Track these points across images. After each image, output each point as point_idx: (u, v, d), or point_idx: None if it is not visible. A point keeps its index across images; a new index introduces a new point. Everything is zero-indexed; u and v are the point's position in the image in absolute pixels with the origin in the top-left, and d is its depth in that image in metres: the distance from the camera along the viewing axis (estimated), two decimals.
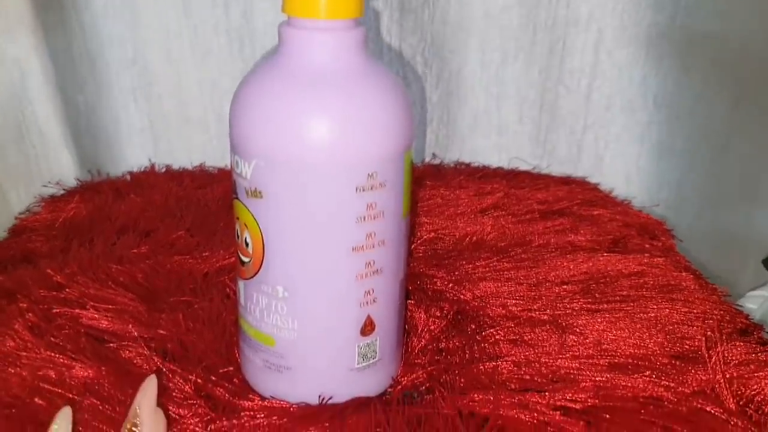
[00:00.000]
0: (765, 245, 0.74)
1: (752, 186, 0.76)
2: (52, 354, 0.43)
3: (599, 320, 0.48)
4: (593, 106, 0.74)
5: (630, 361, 0.44)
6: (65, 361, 0.42)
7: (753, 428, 0.39)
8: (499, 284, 0.53)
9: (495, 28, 0.71)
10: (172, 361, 0.43)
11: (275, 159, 0.36)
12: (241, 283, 0.41)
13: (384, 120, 0.36)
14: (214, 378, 0.42)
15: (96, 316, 0.47)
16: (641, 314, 0.49)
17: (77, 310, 0.47)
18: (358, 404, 0.40)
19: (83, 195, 0.67)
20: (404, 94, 0.38)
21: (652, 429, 0.39)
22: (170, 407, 0.39)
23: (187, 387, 0.41)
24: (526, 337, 0.47)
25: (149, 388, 0.37)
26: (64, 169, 0.73)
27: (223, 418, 0.39)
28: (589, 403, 0.40)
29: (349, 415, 0.39)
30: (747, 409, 0.41)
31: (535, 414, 0.39)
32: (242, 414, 0.39)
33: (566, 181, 0.73)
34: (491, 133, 0.76)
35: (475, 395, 0.40)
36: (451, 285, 0.52)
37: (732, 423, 0.39)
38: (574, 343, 0.46)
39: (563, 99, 0.74)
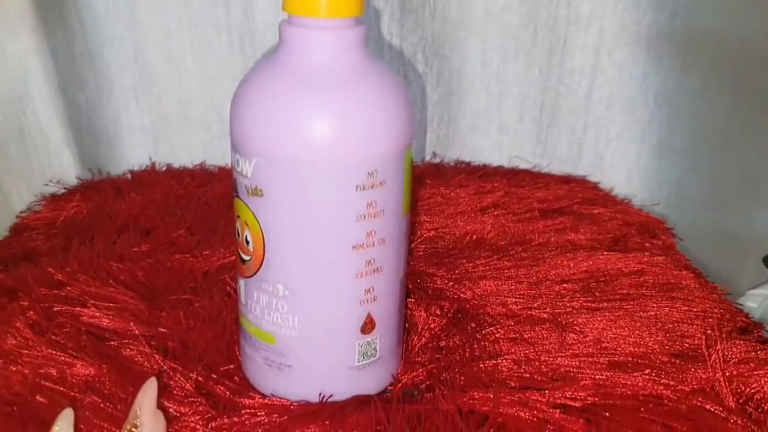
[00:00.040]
0: (765, 244, 0.74)
1: (752, 185, 0.76)
2: (53, 352, 0.43)
3: (599, 318, 0.48)
4: (594, 105, 0.74)
5: (630, 359, 0.44)
6: (66, 359, 0.43)
7: (752, 426, 0.39)
8: (499, 283, 0.53)
9: (496, 27, 0.71)
10: (173, 359, 0.43)
11: (276, 157, 0.36)
12: (241, 282, 0.41)
13: (384, 118, 0.37)
14: (214, 376, 0.42)
15: (97, 314, 0.47)
16: (641, 313, 0.49)
17: (78, 309, 0.48)
18: (359, 402, 0.40)
19: (84, 194, 0.67)
20: (404, 93, 0.38)
21: (652, 427, 0.39)
22: (171, 405, 0.39)
23: (187, 385, 0.41)
24: (526, 336, 0.47)
25: (150, 389, 0.37)
26: (64, 168, 0.73)
27: (224, 416, 0.39)
28: (589, 401, 0.40)
29: (349, 413, 0.39)
30: (746, 407, 0.41)
31: (535, 412, 0.39)
32: (243, 412, 0.39)
33: (566, 179, 0.73)
34: (492, 131, 0.76)
35: (475, 393, 0.40)
36: (451, 283, 0.53)
37: (731, 421, 0.39)
38: (574, 342, 0.46)
39: (564, 98, 0.74)
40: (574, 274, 0.54)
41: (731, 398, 0.41)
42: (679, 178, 0.76)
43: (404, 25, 0.71)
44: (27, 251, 0.57)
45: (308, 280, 0.38)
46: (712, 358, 0.43)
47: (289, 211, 0.37)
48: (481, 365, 0.44)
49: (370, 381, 0.42)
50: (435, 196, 0.67)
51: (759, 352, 0.45)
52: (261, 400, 0.41)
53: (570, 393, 0.41)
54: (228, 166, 0.73)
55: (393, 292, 0.41)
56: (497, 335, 0.47)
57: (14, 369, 0.42)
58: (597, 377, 0.42)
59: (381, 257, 0.39)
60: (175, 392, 0.41)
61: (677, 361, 0.44)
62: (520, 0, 0.70)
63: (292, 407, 0.40)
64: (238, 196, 0.39)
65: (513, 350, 0.45)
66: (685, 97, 0.72)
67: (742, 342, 0.46)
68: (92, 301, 0.48)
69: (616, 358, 0.44)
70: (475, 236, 0.61)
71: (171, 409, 0.39)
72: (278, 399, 0.41)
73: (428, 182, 0.70)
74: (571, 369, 0.43)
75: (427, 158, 0.78)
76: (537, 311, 0.49)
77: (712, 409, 0.40)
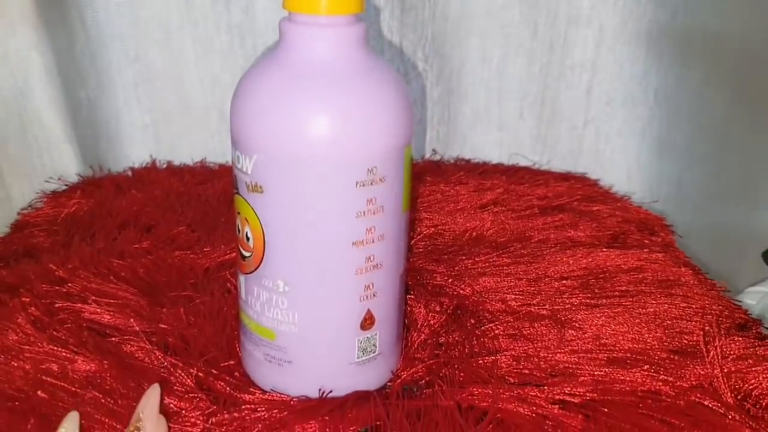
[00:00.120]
0: (764, 241, 0.74)
1: (752, 182, 0.76)
2: (55, 348, 0.43)
3: (598, 315, 0.48)
4: (594, 101, 0.74)
5: (628, 355, 0.44)
6: (67, 355, 0.43)
7: (750, 422, 0.39)
8: (499, 279, 0.53)
9: (496, 24, 0.71)
10: (174, 355, 0.43)
11: (276, 154, 0.36)
12: (241, 278, 0.41)
13: (384, 115, 0.37)
14: (215, 372, 0.42)
15: (98, 310, 0.47)
16: (640, 309, 0.49)
17: (79, 305, 0.48)
18: (358, 398, 0.40)
19: (85, 190, 0.67)
20: (404, 90, 0.38)
21: (650, 423, 0.39)
22: (172, 400, 0.40)
23: (188, 380, 0.41)
24: (525, 332, 0.47)
25: (153, 394, 0.37)
26: (66, 165, 0.73)
27: (224, 412, 0.39)
28: (588, 397, 0.41)
29: (348, 409, 0.39)
30: (745, 403, 0.41)
31: (534, 408, 0.39)
32: (243, 407, 0.39)
33: (566, 177, 0.73)
34: (492, 129, 0.76)
35: (475, 389, 0.41)
36: (450, 280, 0.53)
37: (730, 417, 0.39)
38: (573, 338, 0.46)
39: (564, 95, 0.74)
40: (573, 270, 0.55)
41: (729, 394, 0.41)
42: (679, 174, 0.76)
43: (404, 22, 0.71)
44: (28, 248, 0.57)
45: (308, 277, 0.38)
46: (711, 354, 0.44)
47: (289, 207, 0.37)
48: (481, 361, 0.44)
49: (370, 377, 0.42)
50: (435, 193, 0.67)
51: (757, 349, 0.45)
52: (261, 395, 0.41)
53: (569, 389, 0.41)
54: (228, 163, 0.73)
55: (393, 289, 0.41)
56: (496, 331, 0.47)
57: (16, 365, 0.42)
58: (596, 373, 0.43)
59: (381, 254, 0.39)
60: (175, 388, 0.41)
61: (676, 358, 0.44)
62: None
63: (292, 403, 0.40)
64: (238, 193, 0.39)
65: (512, 346, 0.46)
66: (685, 94, 0.72)
67: (740, 338, 0.46)
68: (93, 298, 0.48)
69: (614, 355, 0.45)
70: (474, 233, 0.61)
71: (171, 405, 0.40)
72: (278, 394, 0.41)
73: (428, 179, 0.70)
74: (570, 365, 0.43)
75: (427, 155, 0.78)
76: (536, 308, 0.49)
77: (710, 405, 0.40)
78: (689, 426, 0.39)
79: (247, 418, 0.39)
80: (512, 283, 0.52)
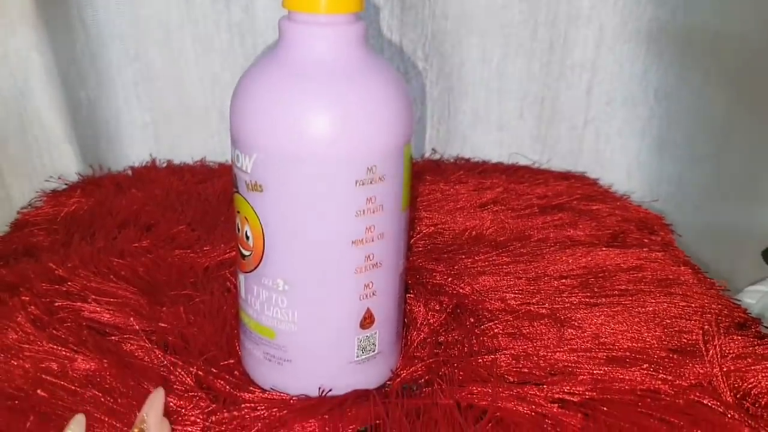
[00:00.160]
0: (764, 240, 0.74)
1: (752, 181, 0.76)
2: (55, 346, 0.43)
3: (597, 314, 0.48)
4: (594, 100, 0.74)
5: (628, 354, 0.45)
6: (67, 354, 0.43)
7: (750, 421, 0.39)
8: (498, 278, 0.53)
9: (496, 24, 0.71)
10: (173, 354, 0.44)
11: (275, 153, 0.36)
12: (241, 276, 0.41)
13: (384, 114, 0.37)
14: (215, 370, 0.42)
15: (98, 309, 0.47)
16: (639, 308, 0.49)
17: (79, 304, 0.48)
18: (358, 396, 0.40)
19: (85, 189, 0.67)
20: (404, 88, 0.38)
21: (650, 421, 0.39)
22: (171, 399, 0.40)
23: (188, 379, 0.41)
24: (524, 331, 0.47)
25: (157, 398, 0.37)
26: (65, 164, 0.73)
27: (224, 410, 0.39)
28: (587, 396, 0.41)
29: (348, 408, 0.39)
30: (744, 402, 0.41)
31: (533, 406, 0.39)
32: (243, 406, 0.40)
33: (565, 176, 0.73)
34: (492, 128, 0.76)
35: (474, 388, 0.41)
36: (450, 279, 0.53)
37: (729, 416, 0.39)
38: (573, 337, 0.46)
39: (564, 94, 0.74)
40: (572, 269, 0.55)
41: (729, 393, 0.41)
42: (678, 174, 0.76)
43: (404, 21, 0.71)
44: (28, 247, 0.57)
45: (308, 275, 0.38)
46: (710, 353, 0.44)
47: (288, 206, 0.37)
48: (480, 360, 0.44)
49: (370, 375, 0.42)
50: (434, 193, 0.67)
51: (756, 348, 0.45)
52: (261, 394, 0.41)
53: (568, 388, 0.41)
54: (228, 162, 0.73)
55: (392, 287, 0.41)
56: (496, 330, 0.47)
57: (15, 363, 0.42)
58: (595, 372, 0.43)
59: (380, 252, 0.39)
60: (175, 386, 0.41)
61: (675, 356, 0.44)
62: None
63: (291, 401, 0.40)
64: (238, 192, 0.39)
65: (511, 345, 0.46)
66: (685, 93, 0.72)
67: (739, 337, 0.46)
68: (93, 296, 0.49)
69: (614, 353, 0.45)
70: (474, 232, 0.61)
71: (171, 403, 0.40)
72: (278, 393, 0.41)
73: (428, 179, 0.70)
74: (569, 364, 0.44)
75: (427, 155, 0.78)
76: (535, 307, 0.50)
77: (709, 404, 0.40)
78: (688, 425, 0.39)
79: (247, 416, 0.39)
80: (512, 282, 0.53)
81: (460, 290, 0.52)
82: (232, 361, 0.44)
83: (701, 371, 0.43)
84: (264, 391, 0.41)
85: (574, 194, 0.68)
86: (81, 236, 0.58)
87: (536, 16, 0.71)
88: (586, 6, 0.69)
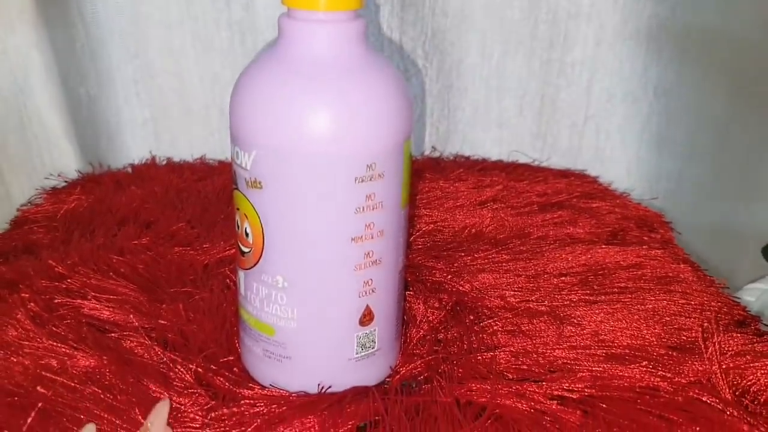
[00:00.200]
0: (763, 238, 0.74)
1: (751, 179, 0.76)
2: (54, 343, 0.43)
3: (597, 311, 0.48)
4: (594, 98, 0.74)
5: (627, 351, 0.45)
6: (67, 351, 0.43)
7: (748, 418, 0.39)
8: (498, 276, 0.53)
9: (496, 21, 0.71)
10: (173, 351, 0.44)
11: (275, 150, 0.36)
12: (241, 273, 0.41)
13: (383, 111, 0.37)
14: (214, 367, 0.42)
15: (97, 306, 0.47)
16: (639, 306, 0.49)
17: (79, 301, 0.48)
18: (357, 393, 0.40)
19: (84, 187, 0.67)
20: (403, 85, 0.38)
21: (649, 419, 0.39)
22: (171, 396, 0.40)
23: (187, 376, 0.41)
24: (524, 328, 0.47)
25: (162, 409, 0.37)
26: (65, 161, 0.73)
27: (224, 407, 0.39)
28: (586, 393, 0.41)
29: (347, 404, 0.39)
30: (743, 399, 0.41)
31: (532, 403, 0.39)
32: (242, 402, 0.40)
33: (565, 173, 0.73)
34: (492, 125, 0.76)
35: (473, 385, 0.41)
36: (449, 276, 0.53)
37: (728, 413, 0.39)
38: (572, 334, 0.46)
39: (564, 91, 0.74)
40: (572, 267, 0.55)
41: (728, 390, 0.41)
42: (678, 170, 0.76)
43: (404, 19, 0.71)
44: (28, 244, 0.57)
45: (307, 272, 0.38)
46: (709, 350, 0.44)
47: (288, 203, 0.37)
48: (479, 357, 0.44)
49: (369, 372, 0.42)
50: (434, 190, 0.67)
51: (756, 345, 0.45)
52: (260, 391, 0.41)
53: (567, 385, 0.41)
54: (228, 159, 0.73)
55: (392, 285, 0.41)
56: (495, 328, 0.47)
57: (15, 360, 0.42)
58: (594, 369, 0.43)
59: (380, 249, 0.39)
60: (175, 383, 0.41)
61: (674, 354, 0.44)
62: None
63: (291, 398, 0.40)
64: (237, 189, 0.39)
65: (511, 342, 0.46)
66: (684, 90, 0.72)
67: (739, 335, 0.46)
68: (93, 294, 0.49)
69: (613, 351, 0.45)
70: (473, 230, 0.61)
71: (171, 400, 0.40)
72: (277, 390, 0.41)
73: (427, 176, 0.70)
74: (569, 361, 0.44)
75: (427, 152, 0.78)
76: (535, 304, 0.50)
77: (708, 401, 0.40)
78: (687, 422, 0.39)
79: (246, 413, 0.39)
80: (511, 280, 0.53)
81: (460, 288, 0.52)
82: (231, 358, 0.44)
83: (700, 368, 0.43)
84: (263, 387, 0.41)
85: (573, 192, 0.68)
86: (81, 233, 0.58)
87: (536, 13, 0.71)
88: (586, 3, 0.69)
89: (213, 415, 0.39)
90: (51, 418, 0.38)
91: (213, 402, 0.40)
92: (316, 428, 0.38)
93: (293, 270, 0.38)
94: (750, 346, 0.45)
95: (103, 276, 0.51)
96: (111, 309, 0.47)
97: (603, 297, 0.50)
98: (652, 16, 0.69)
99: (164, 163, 0.74)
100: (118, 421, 0.38)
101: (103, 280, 0.50)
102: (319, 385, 0.41)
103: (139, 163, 0.74)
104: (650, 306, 0.49)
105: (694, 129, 0.74)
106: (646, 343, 0.45)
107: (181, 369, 0.42)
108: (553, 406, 0.39)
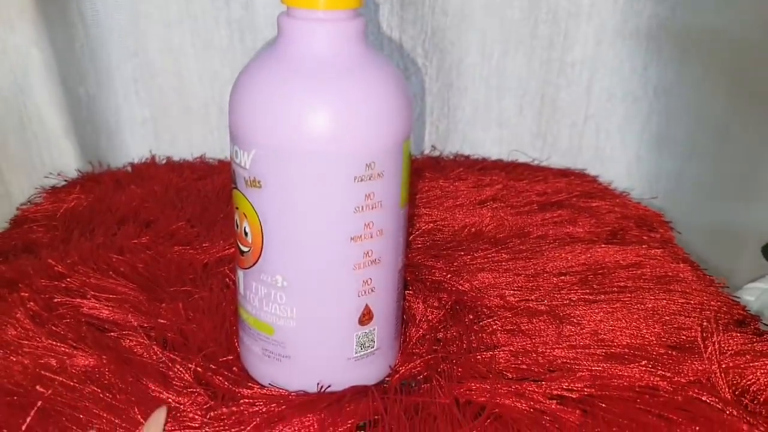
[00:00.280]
0: (763, 237, 0.74)
1: (751, 178, 0.76)
2: (54, 342, 0.43)
3: (596, 311, 0.48)
4: (594, 97, 0.74)
5: (626, 351, 0.45)
6: (66, 350, 0.43)
7: (748, 418, 0.39)
8: (497, 275, 0.53)
9: (496, 20, 0.71)
10: (172, 350, 0.44)
11: (274, 149, 0.36)
12: (240, 273, 0.41)
13: (383, 110, 0.37)
14: (213, 366, 0.42)
15: (97, 305, 0.47)
16: (638, 305, 0.49)
17: (78, 300, 0.48)
18: (356, 393, 0.40)
19: (84, 186, 0.67)
20: (403, 84, 0.38)
21: (648, 418, 0.39)
22: (170, 395, 0.40)
23: (186, 375, 0.41)
24: (523, 327, 0.47)
25: (159, 416, 0.37)
26: (65, 160, 0.73)
27: (223, 406, 0.39)
28: (586, 393, 0.41)
29: (347, 404, 0.39)
30: (743, 399, 0.41)
31: (532, 403, 0.39)
32: (241, 402, 0.40)
33: (565, 173, 0.73)
34: (491, 125, 0.76)
35: (472, 384, 0.41)
36: (449, 276, 0.53)
37: (727, 413, 0.39)
38: (571, 333, 0.46)
39: (564, 90, 0.74)
40: (572, 266, 0.55)
41: (727, 390, 0.41)
42: (678, 170, 0.76)
43: (404, 17, 0.71)
44: (27, 243, 0.57)
45: (306, 271, 0.38)
46: (709, 350, 0.44)
47: (287, 202, 0.37)
48: (479, 356, 0.44)
49: (368, 372, 0.42)
50: (434, 189, 0.67)
51: (755, 345, 0.45)
52: (259, 390, 0.41)
53: (567, 384, 0.41)
54: (228, 158, 0.73)
55: (391, 284, 0.41)
56: (495, 327, 0.47)
57: (14, 359, 0.42)
58: (594, 369, 0.43)
59: (379, 249, 0.39)
60: (174, 383, 0.41)
61: (674, 353, 0.44)
62: None
63: (290, 397, 0.40)
64: (236, 188, 0.39)
65: (510, 342, 0.46)
66: (684, 89, 0.72)
67: (738, 334, 0.46)
68: (92, 293, 0.49)
69: (612, 350, 0.45)
70: (473, 229, 0.61)
71: (170, 400, 0.40)
72: (276, 389, 0.41)
73: (427, 175, 0.70)
74: (568, 360, 0.44)
75: (427, 151, 0.78)
76: (534, 303, 0.50)
77: (708, 401, 0.40)
78: (687, 421, 0.39)
79: (246, 412, 0.39)
80: (511, 279, 0.53)
81: (459, 287, 0.52)
82: (230, 357, 0.44)
83: (700, 368, 0.43)
84: (262, 387, 0.41)
85: (573, 191, 0.68)
86: (80, 232, 0.58)
87: (536, 12, 0.70)
88: (586, 3, 0.69)
89: (212, 414, 0.39)
90: (50, 418, 0.38)
91: (212, 401, 0.40)
92: (316, 427, 0.38)
93: (292, 269, 0.38)
94: (749, 345, 0.45)
95: (102, 275, 0.51)
96: (110, 308, 0.47)
97: (602, 296, 0.50)
98: (652, 16, 0.69)
99: (164, 162, 0.74)
100: (117, 421, 0.38)
101: (103, 279, 0.50)
102: (318, 384, 0.41)
103: (139, 162, 0.74)
104: (650, 305, 0.49)
105: (694, 129, 0.74)
106: (646, 343, 0.45)
107: (181, 368, 0.42)
108: (553, 406, 0.39)
